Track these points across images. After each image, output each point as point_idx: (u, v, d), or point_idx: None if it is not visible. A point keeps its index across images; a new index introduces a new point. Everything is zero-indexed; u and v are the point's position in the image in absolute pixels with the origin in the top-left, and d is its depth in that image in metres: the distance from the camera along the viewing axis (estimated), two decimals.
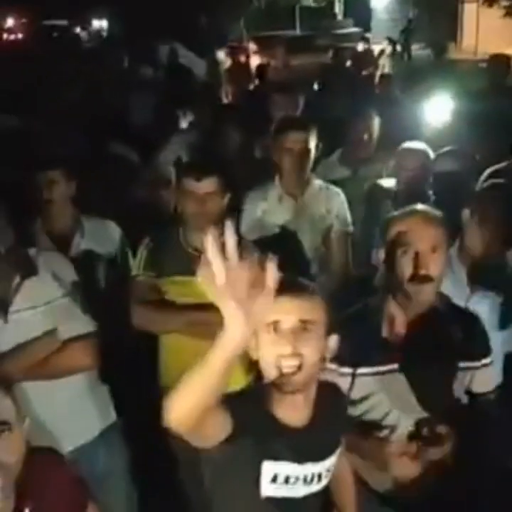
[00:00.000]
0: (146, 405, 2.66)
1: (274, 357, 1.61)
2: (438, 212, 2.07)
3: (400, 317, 2.07)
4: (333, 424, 1.79)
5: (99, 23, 33.03)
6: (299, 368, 1.61)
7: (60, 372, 2.34)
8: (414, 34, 19.42)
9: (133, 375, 2.90)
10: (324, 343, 1.68)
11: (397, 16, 24.27)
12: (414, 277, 1.98)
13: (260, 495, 1.68)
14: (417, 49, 18.48)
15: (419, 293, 1.99)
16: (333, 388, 1.90)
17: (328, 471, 1.79)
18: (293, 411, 1.69)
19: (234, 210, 3.18)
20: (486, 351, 2.18)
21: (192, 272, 2.64)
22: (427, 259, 1.97)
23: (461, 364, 2.13)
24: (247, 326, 1.23)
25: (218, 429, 1.54)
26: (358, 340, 2.02)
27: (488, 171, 3.27)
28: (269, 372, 1.63)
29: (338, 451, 1.83)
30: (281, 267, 1.74)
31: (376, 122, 3.96)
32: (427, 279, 1.98)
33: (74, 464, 2.44)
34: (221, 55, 15.83)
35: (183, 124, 5.49)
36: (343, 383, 2.05)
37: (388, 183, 3.55)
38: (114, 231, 3.26)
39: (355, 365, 2.05)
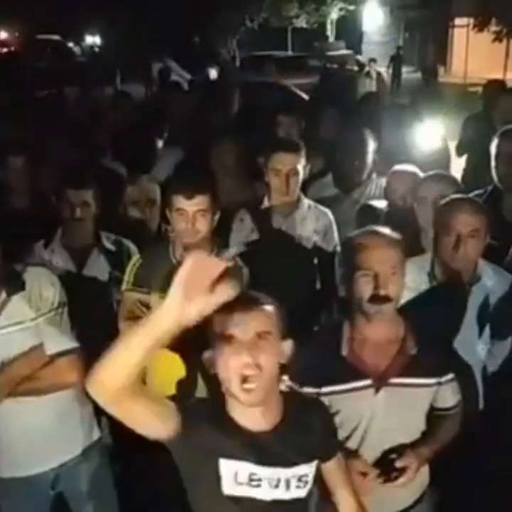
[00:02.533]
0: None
1: (233, 368, 1.67)
2: (396, 235, 2.13)
3: (359, 336, 2.13)
4: (303, 435, 1.80)
5: (93, 39, 33.23)
6: (258, 377, 1.66)
7: (46, 388, 2.34)
8: (405, 58, 19.67)
9: None
10: (280, 349, 1.74)
11: (387, 38, 24.59)
12: (373, 298, 2.04)
13: (222, 493, 1.72)
14: (407, 72, 18.68)
15: (379, 313, 2.07)
16: (313, 403, 1.96)
17: (299, 480, 1.79)
18: (251, 418, 1.74)
19: (224, 227, 3.22)
20: (447, 368, 2.21)
21: None
22: (387, 280, 2.03)
23: (426, 380, 2.15)
24: (183, 312, 1.40)
25: (154, 417, 1.63)
26: (319, 360, 2.10)
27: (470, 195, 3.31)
28: (229, 384, 1.69)
29: (313, 464, 1.83)
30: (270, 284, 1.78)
31: (370, 147, 3.97)
32: (387, 299, 2.05)
33: (57, 480, 2.47)
34: (213, 73, 15.98)
35: (173, 140, 5.51)
36: None
37: (380, 204, 3.58)
38: (131, 250, 3.24)
39: (317, 384, 2.09)
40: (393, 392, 2.10)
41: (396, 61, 15.92)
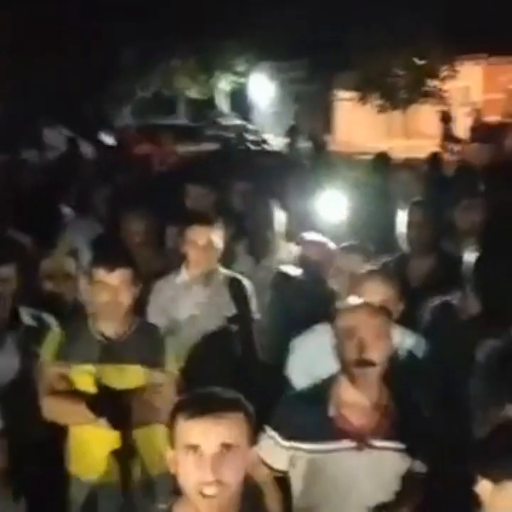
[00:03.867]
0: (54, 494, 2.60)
1: (194, 482, 1.55)
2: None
3: (346, 398, 2.22)
4: None
5: None
6: (219, 494, 1.54)
7: None
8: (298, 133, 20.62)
9: (41, 463, 2.80)
10: (248, 459, 1.62)
11: (279, 109, 25.57)
12: (359, 362, 2.19)
13: None
14: (299, 143, 19.55)
15: (364, 375, 2.19)
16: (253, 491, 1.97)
17: None
18: None
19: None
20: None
21: (101, 361, 2.70)
22: (372, 346, 2.19)
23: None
24: None
25: None
26: (306, 417, 2.19)
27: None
28: (189, 493, 1.58)
29: None
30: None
31: (281, 216, 4.12)
32: (371, 364, 2.19)
33: None
34: (109, 140, 15.99)
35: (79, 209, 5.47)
36: (284, 455, 2.22)
37: (292, 271, 3.70)
38: (51, 324, 3.17)
39: (302, 440, 2.19)
40: (375, 454, 2.20)
41: (293, 132, 16.69)
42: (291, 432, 2.20)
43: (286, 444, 2.22)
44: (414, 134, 20.82)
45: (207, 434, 1.53)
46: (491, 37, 18.92)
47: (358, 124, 22.84)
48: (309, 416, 2.21)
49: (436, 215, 3.64)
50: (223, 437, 1.54)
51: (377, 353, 2.19)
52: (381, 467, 2.22)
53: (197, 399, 1.61)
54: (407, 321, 2.94)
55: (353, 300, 2.35)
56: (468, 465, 1.84)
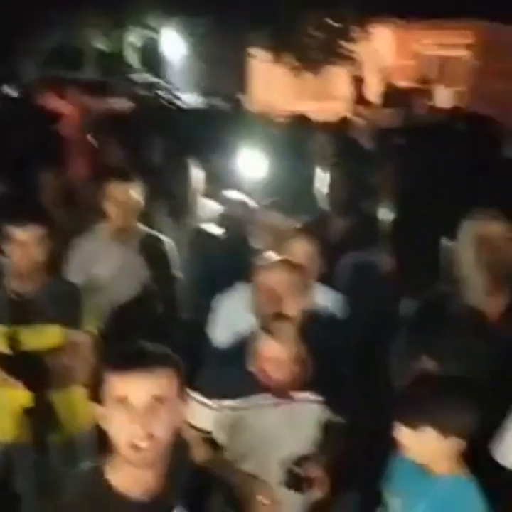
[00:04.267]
0: None
1: (125, 436, 1.52)
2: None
3: (263, 352, 2.27)
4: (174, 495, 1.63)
5: None
6: (150, 447, 1.52)
7: None
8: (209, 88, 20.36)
9: None
10: (179, 412, 1.60)
11: (192, 67, 25.15)
12: (275, 317, 2.27)
13: None
14: (214, 101, 19.35)
15: (281, 330, 2.26)
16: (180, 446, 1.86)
17: None
18: (138, 485, 1.57)
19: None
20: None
21: (15, 320, 2.62)
22: (288, 301, 2.30)
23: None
24: None
25: None
26: (225, 374, 2.24)
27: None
28: (119, 448, 1.54)
29: None
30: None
31: (199, 174, 4.07)
32: (287, 318, 2.27)
33: None
34: (13, 93, 15.24)
35: None
36: (209, 415, 2.23)
37: (212, 228, 3.69)
38: None
39: (221, 397, 2.23)
40: (295, 406, 2.27)
41: (207, 90, 16.50)
42: (213, 391, 2.24)
43: (210, 403, 2.26)
44: (326, 96, 21.01)
45: (137, 387, 1.52)
46: (400, 2, 19.23)
47: (272, 84, 22.79)
48: (230, 373, 2.27)
49: (354, 176, 3.71)
50: (153, 390, 1.53)
51: (293, 308, 2.27)
52: (301, 419, 2.30)
53: (127, 352, 1.60)
54: (327, 278, 3.01)
55: (270, 257, 2.39)
56: (387, 414, 1.95)
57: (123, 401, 1.52)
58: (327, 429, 2.40)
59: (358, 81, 22.13)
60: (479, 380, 2.17)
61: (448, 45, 22.37)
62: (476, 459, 1.93)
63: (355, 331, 2.95)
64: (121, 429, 1.53)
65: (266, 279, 2.28)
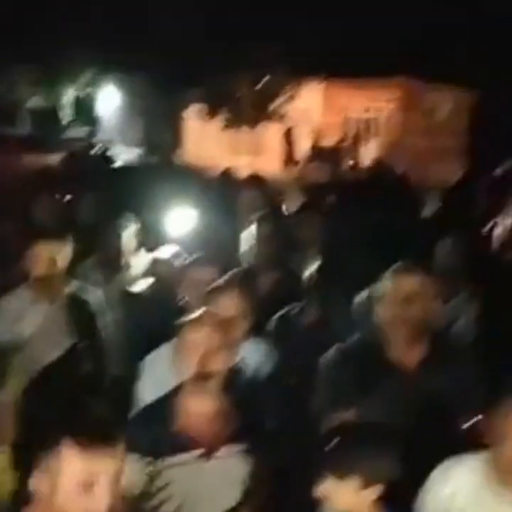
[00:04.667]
0: None
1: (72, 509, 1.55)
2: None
3: (189, 409, 2.28)
4: None
5: None
6: None
7: None
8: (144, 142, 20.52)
9: None
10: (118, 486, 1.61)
11: (127, 121, 25.30)
12: (200, 374, 2.28)
13: None
14: (145, 155, 19.49)
15: (206, 386, 2.30)
16: None
17: None
18: None
19: None
20: None
21: None
22: (213, 357, 2.28)
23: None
24: None
25: None
26: (151, 433, 2.22)
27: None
28: None
29: None
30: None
31: (131, 229, 4.11)
32: (212, 375, 2.28)
33: None
34: None
35: None
36: (135, 475, 2.18)
37: (141, 284, 3.72)
38: None
39: (147, 456, 2.21)
40: (222, 460, 2.28)
41: (141, 145, 16.71)
42: (139, 450, 2.19)
43: (136, 462, 2.20)
44: (259, 152, 21.49)
45: (105, 469, 1.54)
46: (328, 63, 20.06)
47: (206, 139, 23.16)
48: (157, 431, 2.25)
49: (281, 231, 3.81)
50: (115, 468, 1.56)
51: (218, 364, 2.29)
52: (229, 473, 2.31)
53: (89, 423, 1.59)
54: (256, 331, 3.07)
55: (195, 313, 2.42)
56: (311, 464, 2.00)
57: (85, 485, 1.52)
58: (254, 481, 2.42)
59: (289, 138, 22.80)
60: (399, 429, 2.26)
61: (374, 103, 23.37)
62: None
63: (283, 382, 3.00)
64: (65, 500, 1.52)
65: (190, 335, 2.32)
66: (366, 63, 19.18)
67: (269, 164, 15.97)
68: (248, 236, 3.79)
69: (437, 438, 2.26)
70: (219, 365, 2.29)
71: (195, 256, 3.44)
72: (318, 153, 21.32)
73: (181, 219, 4.47)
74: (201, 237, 4.30)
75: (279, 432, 2.71)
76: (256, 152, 21.34)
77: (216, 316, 2.41)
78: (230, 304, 2.83)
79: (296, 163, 21.91)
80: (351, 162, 20.22)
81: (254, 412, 2.48)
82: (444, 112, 24.23)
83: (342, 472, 1.90)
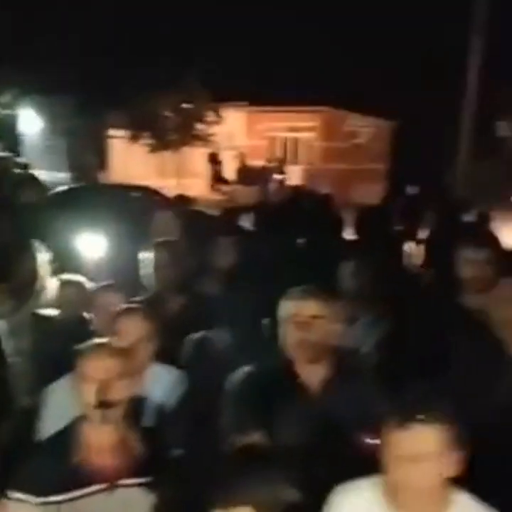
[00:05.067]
0: None
1: None
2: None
3: (89, 441, 2.23)
4: None
5: None
6: None
7: None
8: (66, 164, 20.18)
9: None
10: None
11: (50, 143, 24.86)
12: (98, 404, 2.22)
13: None
14: (68, 177, 19.19)
15: (105, 417, 2.23)
16: None
17: None
18: None
19: None
20: None
21: None
22: (111, 387, 2.22)
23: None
24: None
25: None
26: (49, 467, 2.16)
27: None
28: None
29: None
30: None
31: (43, 256, 4.01)
32: (110, 405, 2.22)
33: None
34: None
35: None
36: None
37: (50, 311, 3.63)
38: None
39: (45, 494, 2.14)
40: (124, 494, 2.22)
41: (63, 168, 16.43)
42: (36, 487, 2.14)
43: (36, 501, 2.14)
44: (186, 174, 21.51)
45: None
46: (250, 87, 20.38)
47: (132, 162, 23.00)
48: (55, 466, 2.18)
49: (190, 254, 3.76)
50: None
51: (119, 393, 2.24)
52: (131, 506, 2.25)
53: None
54: (164, 357, 3.05)
55: (93, 342, 2.37)
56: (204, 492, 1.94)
57: None
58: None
59: (215, 160, 22.94)
60: (301, 451, 2.28)
61: (295, 127, 23.86)
62: None
63: (192, 408, 2.98)
64: None
65: (88, 365, 2.26)
66: (289, 91, 19.63)
67: (196, 186, 15.96)
68: (147, 261, 3.71)
69: (337, 461, 2.28)
70: (120, 393, 2.25)
71: (103, 282, 3.39)
72: (244, 175, 21.54)
73: (94, 243, 4.41)
74: (113, 261, 4.24)
75: (187, 462, 2.67)
76: (183, 174, 21.35)
77: (113, 345, 2.36)
78: (133, 329, 2.80)
79: (224, 184, 22.05)
80: (277, 184, 20.50)
81: (159, 442, 2.45)
82: (365, 137, 24.97)
83: (231, 501, 1.84)
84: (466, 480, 2.09)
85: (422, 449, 1.88)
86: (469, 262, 3.42)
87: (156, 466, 2.33)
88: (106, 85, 18.70)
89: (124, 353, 2.35)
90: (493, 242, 3.59)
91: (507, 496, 2.15)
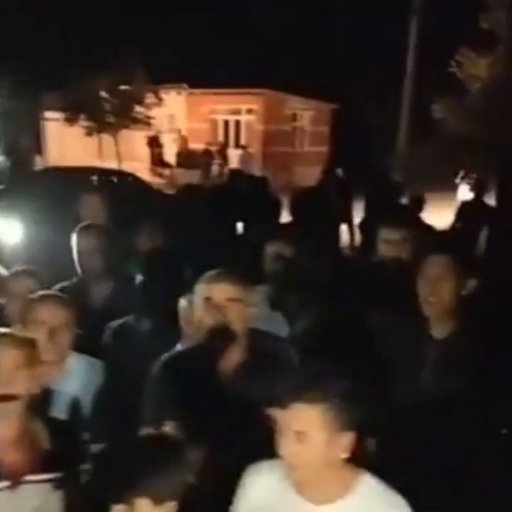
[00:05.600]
0: None
1: None
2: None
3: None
4: None
5: None
6: None
7: None
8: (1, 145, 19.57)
9: None
10: None
11: None
12: None
13: None
14: (2, 160, 18.68)
15: (3, 410, 2.13)
16: None
17: None
18: None
19: None
20: None
21: None
22: (12, 376, 2.13)
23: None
24: None
25: None
26: None
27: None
28: None
29: None
30: None
31: None
32: (7, 398, 2.12)
33: None
34: None
35: None
36: None
37: None
38: None
39: None
40: (31, 489, 2.12)
41: None
42: None
43: None
44: (126, 157, 21.09)
45: None
46: (190, 69, 20.14)
47: (69, 145, 22.42)
48: None
49: (105, 243, 3.60)
50: None
51: (22, 385, 2.14)
52: (38, 504, 2.15)
53: None
54: (88, 345, 2.94)
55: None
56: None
57: None
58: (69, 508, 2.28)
59: (156, 143, 22.58)
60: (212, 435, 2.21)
61: (236, 109, 23.71)
62: None
63: (114, 398, 2.87)
64: None
65: None
66: (229, 74, 19.49)
67: (136, 170, 15.67)
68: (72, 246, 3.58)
69: (248, 444, 2.22)
70: (23, 385, 2.14)
71: (19, 268, 3.23)
72: (185, 158, 21.29)
73: (13, 228, 4.23)
74: (30, 248, 4.07)
75: (106, 456, 2.57)
76: (123, 157, 20.93)
77: (16, 336, 2.24)
78: (49, 317, 2.68)
79: (164, 168, 21.76)
80: (218, 167, 20.35)
81: (72, 436, 2.35)
82: (306, 120, 24.99)
83: (131, 495, 1.82)
84: (387, 465, 2.06)
85: (302, 427, 1.85)
86: (385, 242, 3.61)
87: (68, 460, 2.23)
88: (43, 66, 18.14)
89: (28, 343, 2.23)
90: (415, 222, 3.65)
91: (426, 481, 2.14)
